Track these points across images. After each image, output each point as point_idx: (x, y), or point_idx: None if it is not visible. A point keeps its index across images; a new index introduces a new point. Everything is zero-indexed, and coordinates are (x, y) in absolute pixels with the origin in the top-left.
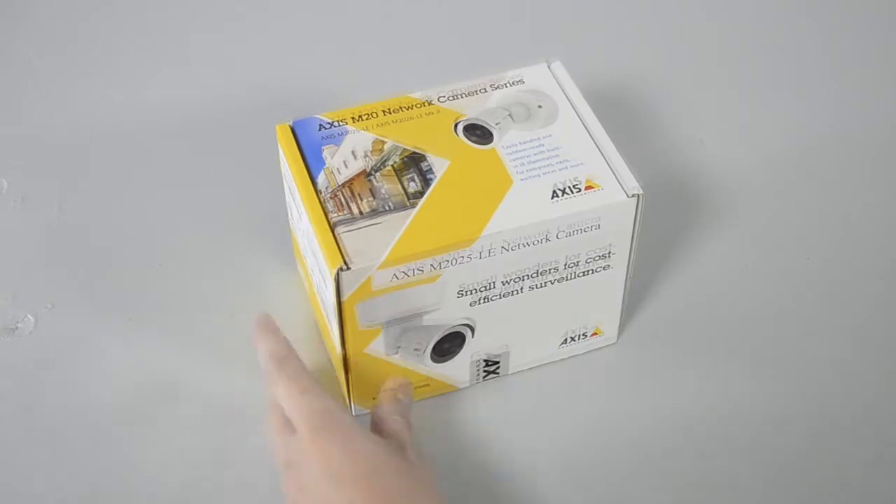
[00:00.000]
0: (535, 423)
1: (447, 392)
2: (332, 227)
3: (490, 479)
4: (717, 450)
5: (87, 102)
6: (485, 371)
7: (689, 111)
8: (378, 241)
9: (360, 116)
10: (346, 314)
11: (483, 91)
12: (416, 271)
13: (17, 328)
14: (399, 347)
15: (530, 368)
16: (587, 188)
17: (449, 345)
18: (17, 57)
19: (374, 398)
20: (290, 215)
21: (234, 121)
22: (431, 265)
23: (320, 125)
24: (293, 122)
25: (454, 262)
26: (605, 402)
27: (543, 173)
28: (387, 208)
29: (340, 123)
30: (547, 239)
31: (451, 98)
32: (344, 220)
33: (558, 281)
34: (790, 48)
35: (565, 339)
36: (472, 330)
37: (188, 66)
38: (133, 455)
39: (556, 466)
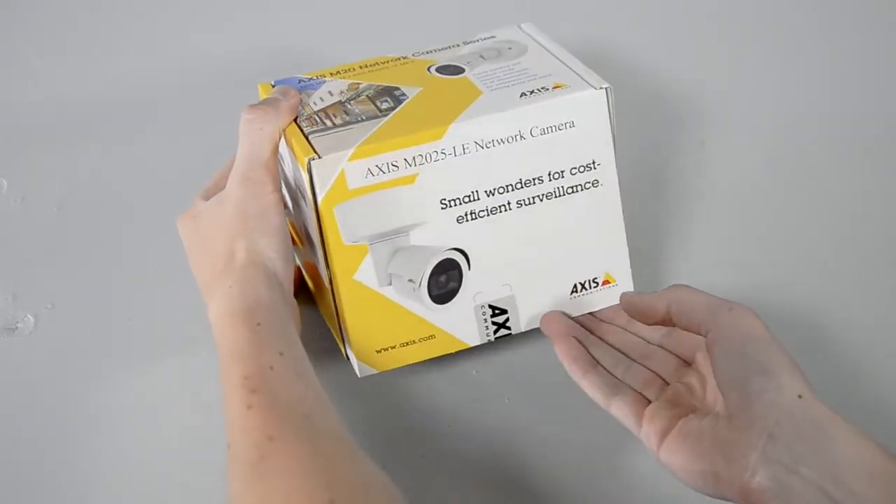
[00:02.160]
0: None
1: (456, 350)
2: (307, 136)
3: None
4: None
5: (87, 101)
6: (493, 324)
7: (689, 111)
8: (349, 139)
9: (337, 72)
10: (326, 221)
11: (455, 46)
12: (390, 166)
13: (17, 328)
14: (391, 277)
15: None
16: (555, 88)
17: (445, 277)
18: (17, 56)
19: (377, 352)
20: (287, 205)
21: (237, 119)
22: (405, 159)
23: (300, 80)
24: (274, 81)
25: (428, 157)
26: None
27: (512, 84)
28: (360, 120)
29: (319, 78)
30: (521, 135)
31: (424, 53)
32: (317, 130)
33: (546, 197)
34: (791, 47)
35: (575, 287)
36: (467, 259)
37: (187, 65)
38: (133, 454)
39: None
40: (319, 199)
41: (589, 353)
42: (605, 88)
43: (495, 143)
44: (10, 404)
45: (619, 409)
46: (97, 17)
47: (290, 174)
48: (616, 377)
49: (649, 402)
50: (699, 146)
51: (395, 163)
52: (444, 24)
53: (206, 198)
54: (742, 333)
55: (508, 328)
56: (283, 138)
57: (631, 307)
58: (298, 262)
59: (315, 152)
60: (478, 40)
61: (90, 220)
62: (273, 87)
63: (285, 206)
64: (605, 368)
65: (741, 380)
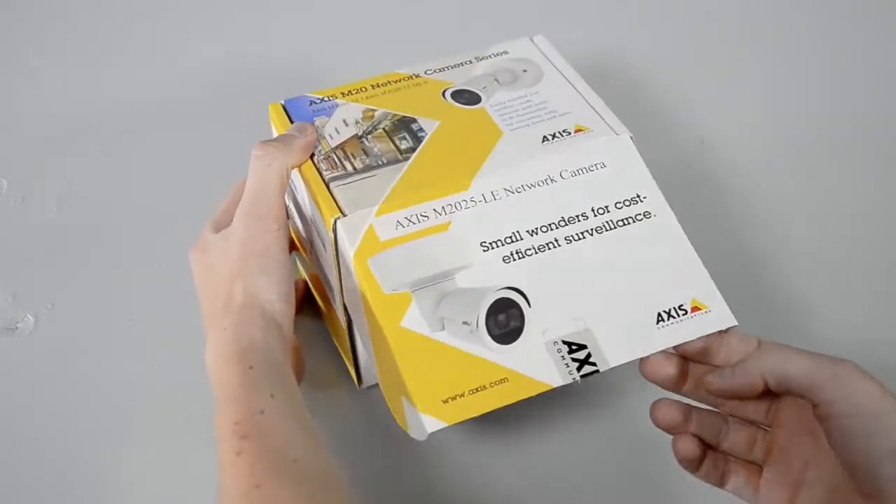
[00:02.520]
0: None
1: (538, 393)
2: (327, 184)
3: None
4: None
5: (87, 102)
6: (574, 361)
7: (689, 110)
8: (372, 192)
9: (349, 92)
10: (362, 274)
11: (468, 62)
12: (419, 217)
13: (17, 328)
14: (443, 321)
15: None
16: (576, 132)
17: (505, 316)
18: (17, 57)
19: (443, 402)
20: (289, 215)
21: (236, 120)
22: (434, 210)
23: (311, 101)
24: (284, 101)
25: (458, 206)
26: None
27: (532, 123)
28: (380, 164)
29: (331, 98)
30: (551, 179)
31: (437, 71)
32: (338, 176)
33: (596, 231)
34: (790, 46)
35: (660, 317)
36: (524, 297)
37: (188, 66)
38: (133, 455)
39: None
40: (351, 254)
41: (698, 437)
42: (630, 137)
43: (525, 187)
44: (10, 404)
45: (735, 488)
46: (97, 17)
47: (300, 197)
48: (721, 451)
49: (759, 466)
50: (699, 146)
51: (424, 213)
52: (450, 30)
53: (216, 229)
54: (859, 405)
55: (594, 364)
56: (300, 174)
57: (725, 391)
58: (304, 273)
59: (340, 210)
60: (490, 56)
61: (90, 220)
62: (283, 106)
63: (288, 215)
64: (708, 445)
65: (870, 462)
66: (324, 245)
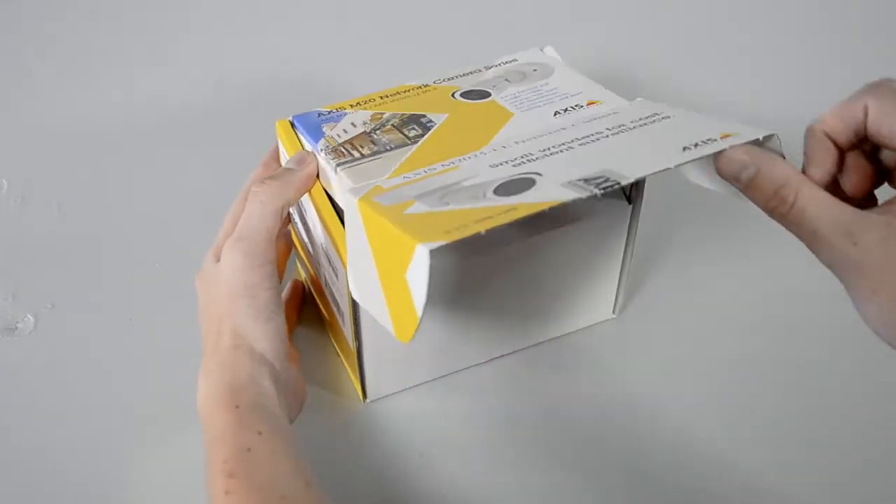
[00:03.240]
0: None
1: (551, 206)
2: (334, 170)
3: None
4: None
5: (87, 102)
6: (591, 184)
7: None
8: (382, 168)
9: (358, 103)
10: (364, 208)
11: (478, 71)
12: (427, 171)
13: (17, 328)
14: (448, 202)
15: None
16: (588, 104)
17: (515, 186)
18: (17, 57)
19: (446, 232)
20: (291, 221)
21: (234, 120)
22: (443, 164)
23: (319, 114)
24: (293, 117)
25: (467, 158)
26: None
27: (544, 104)
28: (388, 149)
29: (339, 110)
30: (563, 128)
31: (446, 80)
32: (345, 161)
33: (612, 134)
34: (789, 43)
35: (685, 148)
36: (539, 174)
37: (188, 66)
38: (133, 455)
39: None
40: (355, 202)
41: None
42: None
43: (536, 137)
44: (10, 404)
45: None
46: (96, 17)
47: (309, 217)
48: None
49: None
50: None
51: (431, 167)
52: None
53: (216, 257)
54: None
55: (615, 182)
56: (311, 201)
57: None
58: (302, 274)
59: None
60: (499, 64)
61: (90, 220)
62: (291, 122)
63: (290, 220)
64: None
65: None
66: (336, 276)
